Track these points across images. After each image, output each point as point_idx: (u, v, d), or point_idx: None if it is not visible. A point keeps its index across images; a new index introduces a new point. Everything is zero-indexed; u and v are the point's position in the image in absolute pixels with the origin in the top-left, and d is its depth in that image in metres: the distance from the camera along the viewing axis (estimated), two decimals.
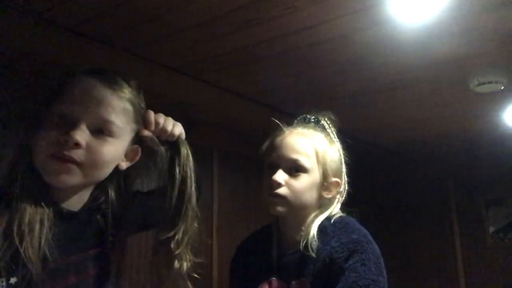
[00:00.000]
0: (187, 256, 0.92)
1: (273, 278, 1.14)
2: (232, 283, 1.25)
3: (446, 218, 4.54)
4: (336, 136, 1.23)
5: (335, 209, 1.17)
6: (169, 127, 0.96)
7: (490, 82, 2.29)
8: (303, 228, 1.14)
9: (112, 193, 0.95)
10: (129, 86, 0.91)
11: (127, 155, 0.92)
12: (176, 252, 0.90)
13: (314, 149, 1.15)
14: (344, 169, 1.21)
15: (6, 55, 1.77)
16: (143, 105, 0.94)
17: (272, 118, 1.23)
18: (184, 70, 2.20)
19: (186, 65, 2.14)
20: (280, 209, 1.12)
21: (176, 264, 0.91)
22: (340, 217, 1.15)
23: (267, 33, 1.81)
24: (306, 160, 1.13)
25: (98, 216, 0.93)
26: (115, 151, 0.87)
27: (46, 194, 0.82)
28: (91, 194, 0.92)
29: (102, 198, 0.94)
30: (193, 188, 0.95)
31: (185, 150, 0.97)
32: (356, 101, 2.70)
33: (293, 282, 1.10)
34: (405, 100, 2.72)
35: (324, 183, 1.16)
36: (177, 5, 1.59)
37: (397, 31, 1.80)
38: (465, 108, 2.88)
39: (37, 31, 1.70)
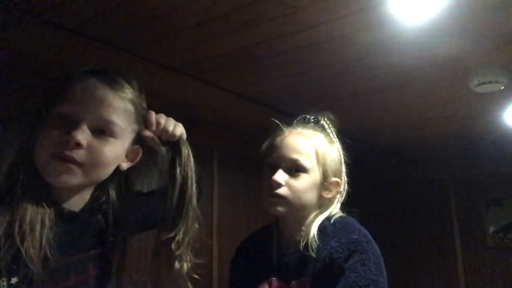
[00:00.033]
0: (188, 257, 0.92)
1: (273, 278, 1.14)
2: (232, 283, 1.25)
3: (446, 218, 4.54)
4: (335, 136, 1.23)
5: (335, 209, 1.18)
6: (170, 128, 0.96)
7: (490, 82, 2.29)
8: (303, 228, 1.14)
9: (113, 194, 0.95)
10: (131, 86, 0.91)
11: (128, 156, 0.92)
12: (177, 253, 0.90)
13: (314, 149, 1.15)
14: (344, 169, 1.21)
15: (6, 55, 1.77)
16: (144, 105, 0.94)
17: (272, 118, 1.23)
18: (184, 70, 2.20)
19: (186, 65, 2.14)
20: (280, 209, 1.12)
21: (177, 264, 0.91)
22: (340, 217, 1.16)
23: (267, 33, 1.81)
24: (306, 160, 1.13)
25: (99, 216, 0.93)
26: (116, 152, 0.87)
27: (47, 194, 0.82)
28: (92, 194, 0.92)
29: (103, 198, 0.94)
30: (194, 188, 0.95)
31: (186, 151, 0.97)
32: (356, 101, 2.70)
33: (293, 282, 1.10)
34: (405, 100, 2.72)
35: (324, 183, 1.16)
36: (177, 5, 1.59)
37: (397, 31, 1.80)
38: (465, 108, 2.88)
39: (37, 31, 1.70)
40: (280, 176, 1.12)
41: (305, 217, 1.15)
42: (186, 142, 0.98)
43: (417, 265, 4.57)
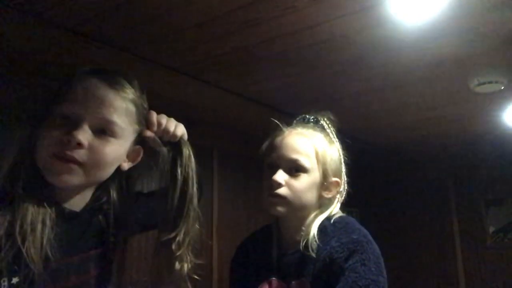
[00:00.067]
0: (188, 257, 0.92)
1: (273, 278, 1.14)
2: (232, 283, 1.25)
3: (446, 218, 4.54)
4: (335, 136, 1.23)
5: (335, 209, 1.18)
6: (172, 128, 0.96)
7: (490, 82, 2.30)
8: (303, 228, 1.14)
9: (114, 194, 0.95)
10: (132, 86, 0.91)
11: (129, 156, 0.92)
12: (177, 254, 0.90)
13: (314, 149, 1.15)
14: (343, 169, 1.22)
15: (6, 55, 1.77)
16: (145, 105, 0.94)
17: (272, 118, 1.23)
18: (184, 70, 2.20)
19: (186, 65, 2.14)
20: (280, 209, 1.12)
21: (177, 265, 0.91)
22: (340, 217, 1.16)
23: (267, 33, 1.81)
24: (306, 160, 1.13)
25: (100, 217, 0.93)
26: (117, 152, 0.87)
27: (48, 194, 0.82)
28: (93, 194, 0.92)
29: (104, 199, 0.94)
30: (194, 189, 0.95)
31: (187, 151, 0.97)
32: (356, 101, 2.70)
33: (293, 282, 1.10)
34: (405, 100, 2.72)
35: (324, 183, 1.16)
36: (177, 5, 1.59)
37: (397, 31, 1.80)
38: (465, 108, 2.88)
39: (37, 31, 1.70)
40: (280, 176, 1.12)
41: (305, 217, 1.15)
42: (187, 143, 0.98)
43: (417, 265, 4.56)
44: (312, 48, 1.95)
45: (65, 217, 0.84)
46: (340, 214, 1.17)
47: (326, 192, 1.17)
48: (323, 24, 1.74)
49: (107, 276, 0.92)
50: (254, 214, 3.25)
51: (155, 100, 1.01)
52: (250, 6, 1.60)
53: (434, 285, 4.46)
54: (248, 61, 2.10)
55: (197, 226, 0.95)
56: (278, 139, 1.18)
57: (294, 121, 1.25)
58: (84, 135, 0.81)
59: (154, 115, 0.95)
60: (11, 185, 0.79)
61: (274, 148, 1.17)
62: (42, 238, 0.76)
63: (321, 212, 1.16)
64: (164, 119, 0.96)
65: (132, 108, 0.89)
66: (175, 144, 0.97)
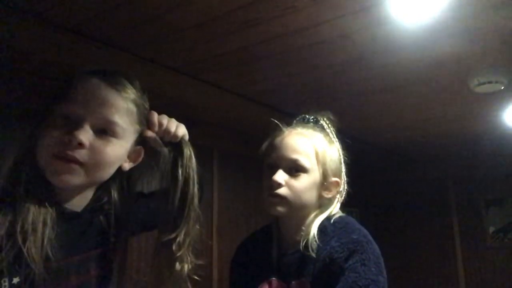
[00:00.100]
0: (189, 258, 0.92)
1: (273, 278, 1.14)
2: (232, 283, 1.25)
3: (446, 218, 4.54)
4: (335, 136, 1.23)
5: (335, 209, 1.18)
6: (173, 128, 0.96)
7: (490, 82, 2.29)
8: (303, 228, 1.14)
9: (115, 194, 0.95)
10: (133, 86, 0.91)
11: (130, 156, 0.92)
12: (178, 254, 0.90)
13: (313, 149, 1.15)
14: (343, 169, 1.22)
15: (6, 55, 1.77)
16: (147, 106, 0.94)
17: (272, 118, 1.23)
18: (184, 70, 2.19)
19: (186, 65, 2.14)
20: (280, 209, 1.12)
21: (177, 266, 0.91)
22: (340, 217, 1.16)
23: (267, 33, 1.81)
24: (306, 160, 1.13)
25: (101, 217, 0.93)
26: (118, 152, 0.87)
27: (50, 194, 0.82)
28: (94, 195, 0.92)
29: (105, 199, 0.94)
30: (195, 189, 0.95)
31: (188, 152, 0.97)
32: (356, 101, 2.70)
33: (293, 282, 1.10)
34: (405, 100, 2.72)
35: (324, 183, 1.16)
36: (177, 5, 1.59)
37: (397, 31, 1.80)
38: (465, 108, 2.88)
39: (37, 31, 1.70)
40: (280, 176, 1.12)
41: (305, 217, 1.15)
42: (189, 143, 0.98)
43: (417, 265, 4.57)
44: (312, 48, 1.95)
45: (65, 217, 0.84)
46: (340, 214, 1.17)
47: (326, 192, 1.17)
48: (323, 24, 1.74)
49: (108, 276, 0.93)
50: (254, 214, 3.25)
51: (155, 100, 1.01)
52: (250, 6, 1.60)
53: (434, 285, 4.47)
54: (248, 61, 2.10)
55: (197, 226, 0.95)
56: (278, 139, 1.18)
57: (294, 121, 1.26)
58: (85, 135, 0.81)
59: (155, 116, 0.95)
60: (12, 185, 0.79)
61: (274, 148, 1.17)
62: (43, 238, 0.76)
63: (321, 212, 1.16)
64: (165, 119, 0.96)
65: (133, 108, 0.89)
66: (176, 145, 0.97)
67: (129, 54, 1.97)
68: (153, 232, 0.99)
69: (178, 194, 0.92)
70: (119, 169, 0.91)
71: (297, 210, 1.14)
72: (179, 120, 0.99)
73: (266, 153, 1.20)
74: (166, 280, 0.91)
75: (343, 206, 1.20)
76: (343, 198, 1.21)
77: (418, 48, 1.97)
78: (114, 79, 0.88)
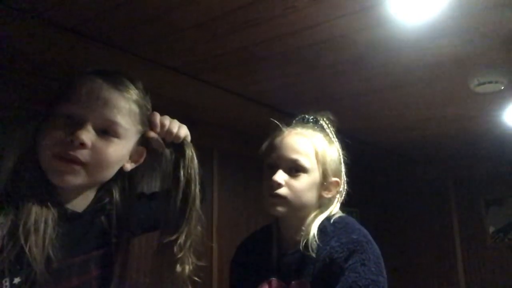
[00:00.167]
0: (190, 259, 0.92)
1: (273, 278, 1.14)
2: (232, 283, 1.26)
3: (446, 218, 4.54)
4: (334, 136, 1.23)
5: (335, 209, 1.18)
6: (175, 129, 0.96)
7: (490, 82, 2.29)
8: (303, 228, 1.14)
9: (116, 195, 0.95)
10: (136, 87, 0.91)
11: (132, 157, 0.92)
12: (179, 256, 0.90)
13: (313, 149, 1.15)
14: (343, 169, 1.22)
15: (6, 55, 1.77)
16: (149, 106, 0.94)
17: (272, 118, 1.23)
18: (184, 70, 2.19)
19: (186, 65, 2.14)
20: (280, 209, 1.12)
21: (178, 267, 0.90)
22: (340, 217, 1.16)
23: (267, 33, 1.81)
24: (306, 160, 1.13)
25: (102, 217, 0.93)
26: (120, 152, 0.87)
27: (51, 195, 0.82)
28: (96, 195, 0.92)
29: (107, 199, 0.94)
30: (197, 190, 0.95)
31: (190, 153, 0.97)
32: (356, 101, 2.70)
33: (293, 282, 1.10)
34: (405, 100, 2.71)
35: (324, 183, 1.16)
36: (177, 5, 1.59)
37: (397, 31, 1.80)
38: (465, 108, 2.88)
39: (37, 31, 1.70)
40: (280, 176, 1.12)
41: (305, 217, 1.15)
42: (190, 144, 0.98)
43: (417, 265, 4.57)
44: (312, 48, 1.95)
45: (67, 218, 0.84)
46: (340, 214, 1.17)
47: (326, 192, 1.17)
48: (323, 24, 1.73)
49: (109, 277, 0.92)
50: (254, 214, 3.25)
51: (155, 100, 1.00)
52: (250, 6, 1.60)
53: (434, 285, 4.47)
54: (248, 61, 2.10)
55: (199, 228, 0.94)
56: (278, 139, 1.18)
57: (294, 121, 1.26)
58: (87, 135, 0.81)
59: (157, 116, 0.95)
60: (14, 185, 0.79)
61: (274, 148, 1.17)
62: (44, 238, 0.76)
63: (321, 212, 1.16)
64: (167, 120, 0.96)
65: (135, 109, 0.89)
66: (178, 146, 0.97)
67: (129, 54, 1.97)
68: (154, 233, 0.99)
69: (180, 195, 0.92)
70: (121, 170, 0.91)
71: (297, 210, 1.14)
72: (179, 120, 0.99)
73: (266, 153, 1.20)
74: (166, 281, 0.91)
75: (343, 206, 1.20)
76: (343, 198, 1.21)
77: (418, 48, 1.97)
78: (117, 80, 0.88)
